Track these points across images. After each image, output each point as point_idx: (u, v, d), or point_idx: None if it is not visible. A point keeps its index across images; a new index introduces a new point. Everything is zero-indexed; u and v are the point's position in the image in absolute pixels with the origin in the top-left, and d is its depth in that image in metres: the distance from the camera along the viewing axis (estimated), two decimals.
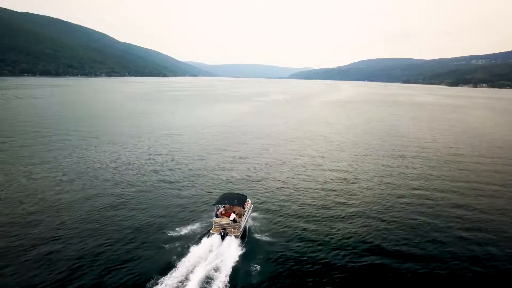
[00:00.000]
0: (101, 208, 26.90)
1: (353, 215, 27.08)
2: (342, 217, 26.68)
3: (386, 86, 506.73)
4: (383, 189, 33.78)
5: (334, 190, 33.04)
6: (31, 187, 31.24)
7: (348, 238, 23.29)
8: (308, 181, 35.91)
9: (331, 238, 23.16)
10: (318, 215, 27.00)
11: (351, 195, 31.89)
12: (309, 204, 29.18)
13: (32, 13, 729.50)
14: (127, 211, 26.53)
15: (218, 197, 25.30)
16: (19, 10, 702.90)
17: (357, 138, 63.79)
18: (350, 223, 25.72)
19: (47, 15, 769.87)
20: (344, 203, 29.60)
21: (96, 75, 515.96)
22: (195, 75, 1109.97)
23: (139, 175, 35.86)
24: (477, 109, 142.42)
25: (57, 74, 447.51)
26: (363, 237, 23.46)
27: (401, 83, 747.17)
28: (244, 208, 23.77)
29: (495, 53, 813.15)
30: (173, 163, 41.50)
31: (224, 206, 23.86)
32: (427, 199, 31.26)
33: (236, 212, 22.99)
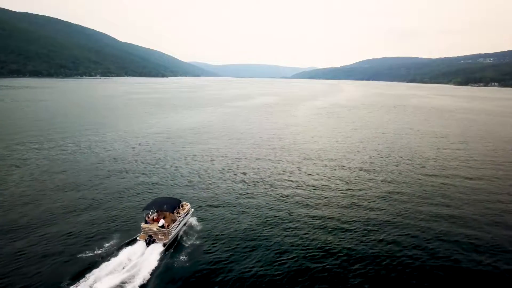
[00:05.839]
0: (24, 215, 24.74)
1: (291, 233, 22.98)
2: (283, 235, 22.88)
3: (393, 86, 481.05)
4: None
5: (282, 208, 27.60)
6: None
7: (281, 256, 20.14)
8: (257, 195, 30.68)
9: (268, 257, 20.31)
10: (260, 229, 23.80)
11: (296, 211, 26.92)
12: (253, 218, 25.50)
13: (30, 13, 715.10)
14: (53, 217, 24.73)
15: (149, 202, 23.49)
16: (17, 10, 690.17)
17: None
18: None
19: (47, 15, 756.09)
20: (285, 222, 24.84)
21: (91, 75, 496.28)
22: (198, 76, 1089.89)
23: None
24: None
25: (49, 74, 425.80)
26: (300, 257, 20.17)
27: (407, 82, 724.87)
28: (177, 213, 22.32)
29: (503, 51, 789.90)
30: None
31: (156, 212, 22.25)
32: None
33: (171, 218, 21.58)
